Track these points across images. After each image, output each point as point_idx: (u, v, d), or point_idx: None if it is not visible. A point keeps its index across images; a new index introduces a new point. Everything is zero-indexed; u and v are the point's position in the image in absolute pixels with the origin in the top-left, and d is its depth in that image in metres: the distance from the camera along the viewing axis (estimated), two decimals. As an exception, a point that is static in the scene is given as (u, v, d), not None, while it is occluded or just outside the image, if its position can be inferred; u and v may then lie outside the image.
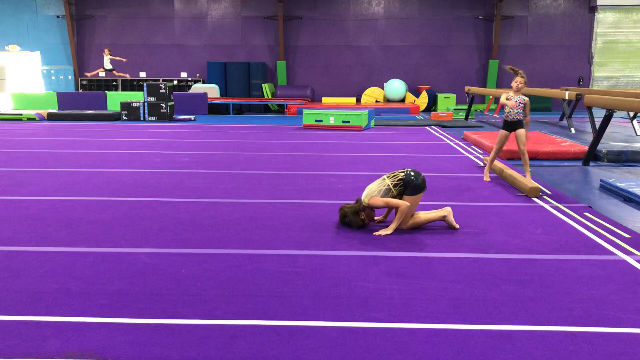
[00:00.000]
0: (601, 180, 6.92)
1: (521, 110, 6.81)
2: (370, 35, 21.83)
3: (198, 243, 4.49)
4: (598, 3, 20.97)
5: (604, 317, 3.15)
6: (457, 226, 4.93)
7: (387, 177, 4.89)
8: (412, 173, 4.85)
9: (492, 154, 7.15)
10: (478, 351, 2.75)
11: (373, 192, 4.80)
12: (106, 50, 19.00)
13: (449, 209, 4.99)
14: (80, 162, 8.49)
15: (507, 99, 6.83)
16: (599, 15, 21.45)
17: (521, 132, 6.83)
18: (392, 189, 4.79)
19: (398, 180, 4.81)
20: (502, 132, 6.98)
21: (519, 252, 4.28)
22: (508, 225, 5.05)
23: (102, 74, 19.75)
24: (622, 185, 6.37)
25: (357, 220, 4.85)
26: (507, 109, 6.90)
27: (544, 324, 3.06)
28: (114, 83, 22.11)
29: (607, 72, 21.92)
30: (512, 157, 8.91)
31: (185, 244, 4.48)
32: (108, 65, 18.91)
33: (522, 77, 6.80)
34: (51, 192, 6.37)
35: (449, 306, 3.28)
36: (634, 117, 12.33)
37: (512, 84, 6.90)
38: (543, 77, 21.01)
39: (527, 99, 6.83)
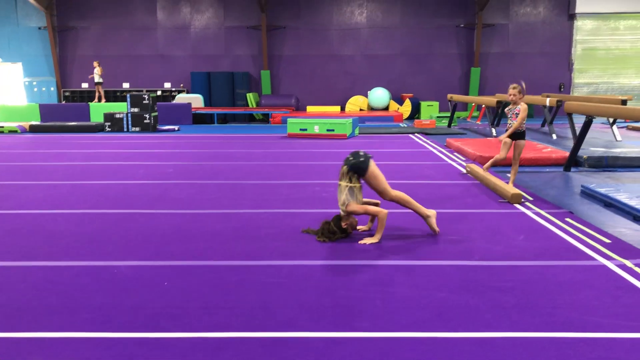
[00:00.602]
0: (582, 186, 7.01)
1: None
2: (353, 44, 21.95)
3: (181, 255, 4.47)
4: (577, 11, 21.28)
5: (585, 322, 3.18)
6: (438, 230, 4.97)
7: (341, 181, 4.86)
8: (350, 157, 4.84)
9: (495, 157, 7.14)
10: (461, 359, 2.77)
11: (347, 199, 4.80)
12: (95, 63, 18.89)
13: (434, 212, 5.02)
14: (62, 175, 8.42)
15: (506, 111, 7.05)
16: (578, 23, 21.77)
17: (520, 143, 6.93)
18: (353, 185, 4.79)
19: (347, 174, 4.80)
20: (506, 140, 7.03)
21: (501, 259, 4.32)
22: (490, 232, 5.09)
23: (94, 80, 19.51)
24: (602, 190, 6.45)
25: (339, 229, 4.83)
26: (508, 120, 7.05)
27: (526, 330, 3.08)
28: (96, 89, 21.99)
29: (587, 79, 22.23)
30: (495, 164, 8.97)
31: (168, 256, 4.45)
32: (98, 78, 18.79)
33: (512, 88, 6.92)
34: (32, 206, 6.31)
35: (432, 314, 3.30)
36: (614, 122, 12.49)
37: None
38: (525, 84, 21.23)
39: (523, 106, 6.86)
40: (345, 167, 4.83)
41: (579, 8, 21.25)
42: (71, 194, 6.99)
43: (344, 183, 4.82)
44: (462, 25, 21.70)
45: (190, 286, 3.77)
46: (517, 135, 6.96)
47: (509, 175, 7.70)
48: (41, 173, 8.62)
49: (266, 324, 3.17)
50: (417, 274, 4.00)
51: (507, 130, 6.94)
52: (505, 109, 7.09)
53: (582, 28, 21.83)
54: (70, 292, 3.67)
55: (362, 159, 4.81)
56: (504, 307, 3.40)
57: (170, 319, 3.25)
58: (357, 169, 4.79)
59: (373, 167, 4.85)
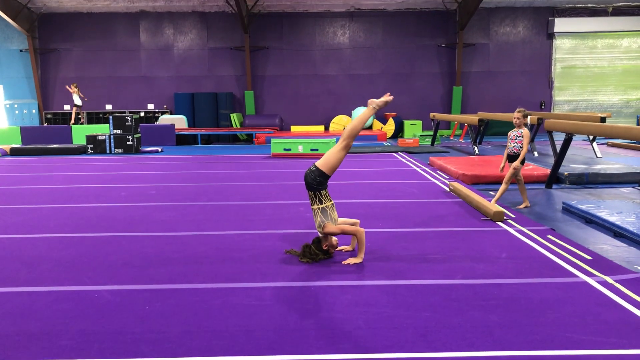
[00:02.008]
0: (563, 203, 7.07)
1: (519, 145, 7.05)
2: (336, 64, 22.12)
3: (163, 278, 4.43)
4: (555, 30, 21.69)
5: (567, 339, 3.19)
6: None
7: (312, 205, 4.83)
8: (308, 178, 4.81)
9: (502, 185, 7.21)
10: (444, 379, 2.76)
11: (323, 221, 4.79)
12: (72, 86, 18.84)
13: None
14: (43, 198, 8.33)
15: (508, 135, 7.23)
16: (557, 42, 22.16)
17: (513, 165, 7.05)
18: (324, 206, 4.78)
19: (315, 195, 4.77)
20: (517, 166, 7.14)
21: (484, 277, 4.33)
22: (473, 250, 5.11)
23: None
24: (583, 207, 6.52)
25: (321, 251, 4.82)
26: (508, 143, 7.22)
27: (509, 348, 3.08)
28: (79, 116, 21.86)
29: (567, 96, 22.58)
30: (477, 182, 9.06)
31: (150, 279, 4.41)
32: (78, 101, 18.74)
33: (518, 112, 7.14)
34: (12, 230, 6.22)
35: (415, 334, 3.29)
36: (594, 139, 12.68)
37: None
38: (506, 102, 21.51)
39: (525, 131, 7.04)
40: (310, 191, 4.82)
41: (558, 27, 21.67)
42: (52, 217, 6.91)
43: (315, 206, 4.82)
44: (443, 45, 21.99)
45: (172, 310, 3.73)
46: (513, 157, 7.13)
47: (492, 193, 7.78)
48: (21, 196, 8.52)
49: (248, 348, 3.14)
50: (401, 293, 3.99)
51: (518, 156, 7.04)
52: (509, 132, 7.26)
53: (561, 47, 22.23)
54: (50, 318, 3.61)
55: (318, 174, 4.78)
56: (487, 325, 3.40)
57: (151, 344, 3.21)
58: (319, 184, 4.77)
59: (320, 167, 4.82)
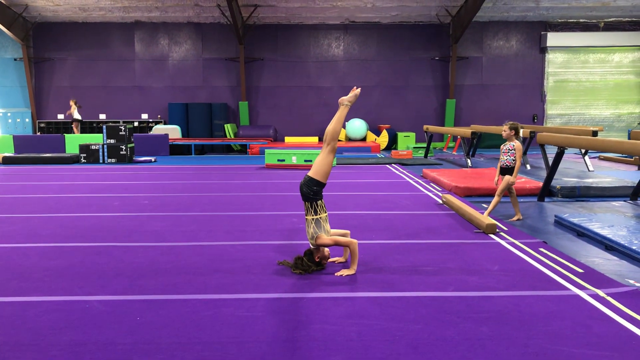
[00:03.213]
0: (555, 216, 7.11)
1: (512, 158, 7.09)
2: (330, 76, 22.23)
3: (155, 289, 4.41)
4: (548, 45, 21.91)
5: (558, 352, 3.20)
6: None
7: (307, 215, 4.86)
8: (303, 189, 4.83)
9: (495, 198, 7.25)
10: (436, 392, 2.75)
11: (315, 232, 4.80)
12: (71, 102, 18.83)
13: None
14: (35, 207, 8.30)
15: (501, 148, 7.30)
16: (549, 56, 22.37)
17: (506, 178, 7.10)
18: (319, 217, 4.80)
19: (312, 206, 4.80)
20: (501, 177, 7.22)
21: (476, 290, 4.34)
22: (466, 263, 5.12)
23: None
24: (575, 220, 6.55)
25: (313, 263, 4.82)
26: (501, 156, 7.28)
27: (500, 361, 3.09)
28: (72, 126, 21.86)
29: (560, 110, 22.76)
30: (470, 194, 9.09)
31: (141, 290, 4.39)
32: (77, 116, 18.71)
33: (505, 125, 7.22)
34: (2, 240, 6.19)
35: (407, 347, 3.29)
36: (586, 153, 12.77)
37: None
38: (499, 115, 21.66)
39: (517, 144, 7.10)
40: (307, 201, 4.84)
41: (550, 42, 21.89)
42: (43, 227, 6.88)
43: (310, 217, 4.83)
44: (437, 58, 22.14)
45: (163, 321, 3.71)
46: (505, 170, 7.16)
47: (485, 205, 7.81)
48: (13, 206, 8.48)
49: (240, 359, 3.13)
50: (393, 305, 3.99)
51: (513, 171, 7.07)
52: (501, 146, 7.32)
53: (554, 61, 22.45)
54: (40, 329, 3.58)
55: (313, 183, 4.80)
56: (479, 338, 3.41)
57: (142, 355, 3.19)
58: (315, 194, 4.80)
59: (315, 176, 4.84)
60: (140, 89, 22.19)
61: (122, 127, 15.81)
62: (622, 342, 3.34)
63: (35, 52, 21.97)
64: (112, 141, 15.79)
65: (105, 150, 15.79)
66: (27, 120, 21.92)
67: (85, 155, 15.83)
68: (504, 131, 7.19)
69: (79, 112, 19.22)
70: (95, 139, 17.63)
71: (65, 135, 18.17)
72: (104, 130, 15.80)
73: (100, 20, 21.79)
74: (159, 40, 22.08)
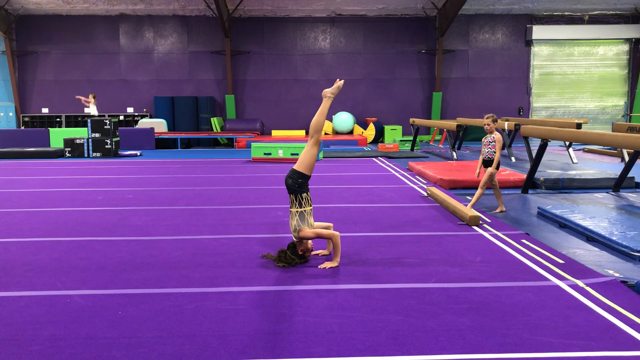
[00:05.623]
0: (538, 208, 7.17)
1: (493, 150, 7.14)
2: (317, 69, 22.19)
3: (137, 283, 4.39)
4: (533, 37, 22.01)
5: (537, 342, 3.23)
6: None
7: (291, 208, 4.90)
8: (289, 181, 4.88)
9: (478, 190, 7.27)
10: (415, 382, 2.78)
11: (299, 225, 4.81)
12: (90, 96, 18.12)
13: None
14: (17, 202, 8.22)
15: (482, 141, 7.33)
16: (535, 49, 22.49)
17: (488, 170, 7.15)
18: (303, 210, 4.82)
19: (297, 199, 4.83)
20: (492, 171, 7.22)
21: (458, 281, 4.37)
22: (448, 254, 5.15)
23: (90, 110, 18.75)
24: (557, 212, 6.61)
25: (297, 255, 4.83)
26: (482, 149, 7.32)
27: (479, 352, 3.12)
28: (58, 119, 21.65)
29: (545, 103, 22.90)
30: (455, 187, 9.14)
31: (123, 284, 4.37)
32: (94, 111, 18.23)
33: (487, 118, 7.25)
34: (-15, 234, 6.13)
35: (388, 338, 3.31)
36: (569, 145, 12.87)
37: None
38: (485, 108, 21.76)
39: (497, 136, 7.14)
40: (291, 193, 4.86)
41: (535, 35, 21.99)
42: (26, 221, 6.82)
43: (294, 209, 4.84)
44: (423, 51, 22.18)
45: (145, 315, 3.70)
46: (487, 162, 7.22)
47: (469, 198, 7.86)
48: (-4, 200, 8.40)
49: (221, 352, 3.13)
50: (375, 297, 4.01)
51: (493, 162, 7.10)
52: (482, 138, 7.34)
53: (539, 54, 22.56)
54: (20, 323, 3.56)
55: (291, 173, 4.86)
56: (459, 329, 3.43)
57: (123, 349, 3.18)
58: (301, 186, 4.82)
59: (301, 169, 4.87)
60: (125, 82, 22.02)
61: (107, 121, 15.69)
62: (600, 332, 3.38)
63: (19, 45, 21.71)
64: (97, 135, 15.68)
65: (90, 144, 15.67)
66: (10, 114, 21.68)
67: (70, 149, 15.71)
68: (487, 124, 7.22)
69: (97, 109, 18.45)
70: (80, 133, 17.48)
71: (50, 129, 18.00)
72: (89, 124, 15.67)
73: (84, 13, 21.57)
74: (144, 33, 21.90)
